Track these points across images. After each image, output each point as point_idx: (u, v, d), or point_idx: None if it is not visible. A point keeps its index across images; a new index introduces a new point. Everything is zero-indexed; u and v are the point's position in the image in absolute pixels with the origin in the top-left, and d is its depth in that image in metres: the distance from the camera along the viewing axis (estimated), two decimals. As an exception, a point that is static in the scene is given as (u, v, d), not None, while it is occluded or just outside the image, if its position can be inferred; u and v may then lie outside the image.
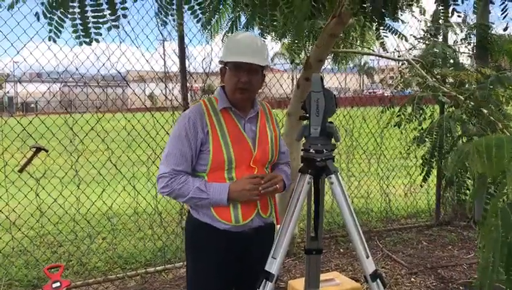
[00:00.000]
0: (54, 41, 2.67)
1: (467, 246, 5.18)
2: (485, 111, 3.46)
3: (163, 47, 4.49)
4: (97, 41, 2.76)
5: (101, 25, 2.68)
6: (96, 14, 2.68)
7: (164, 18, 2.79)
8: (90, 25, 2.67)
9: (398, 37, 4.36)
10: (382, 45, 4.58)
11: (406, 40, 4.57)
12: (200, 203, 2.13)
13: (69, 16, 2.67)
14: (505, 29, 4.61)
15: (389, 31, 4.23)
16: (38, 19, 2.76)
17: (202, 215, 2.21)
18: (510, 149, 1.71)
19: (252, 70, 2.14)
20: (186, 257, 2.40)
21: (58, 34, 2.64)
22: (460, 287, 4.09)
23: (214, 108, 2.21)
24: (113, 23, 2.66)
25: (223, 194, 2.09)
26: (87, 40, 2.71)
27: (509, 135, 3.23)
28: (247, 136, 2.20)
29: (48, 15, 2.67)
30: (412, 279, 4.27)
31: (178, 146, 2.15)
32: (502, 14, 3.22)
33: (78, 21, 2.65)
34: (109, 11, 2.69)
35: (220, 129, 2.16)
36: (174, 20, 2.96)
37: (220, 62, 2.24)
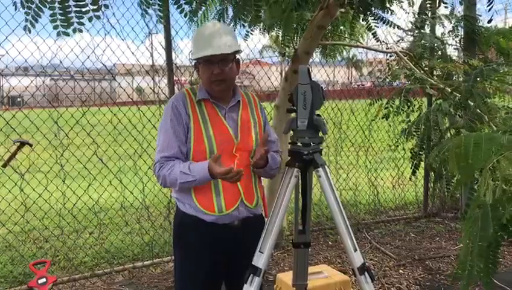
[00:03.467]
0: (29, 31, 2.60)
1: (455, 237, 5.22)
2: (472, 104, 3.47)
3: (150, 39, 4.42)
4: (80, 31, 2.69)
5: (83, 15, 2.62)
6: (78, 3, 2.60)
7: (146, 8, 2.73)
8: (72, 14, 2.60)
9: (390, 26, 4.32)
10: (374, 35, 4.54)
11: (399, 28, 4.54)
12: (192, 185, 2.10)
13: (48, 4, 2.60)
14: (489, 21, 4.62)
15: (380, 21, 4.20)
16: (15, 8, 2.69)
17: (188, 207, 2.20)
18: (488, 148, 1.71)
19: (223, 60, 2.12)
20: (174, 251, 2.38)
21: (35, 23, 2.57)
22: (448, 278, 4.12)
23: (196, 97, 2.23)
24: (95, 13, 2.60)
25: (205, 172, 2.05)
26: (69, 30, 2.63)
27: (494, 127, 3.24)
28: (228, 125, 2.20)
29: (26, 4, 2.60)
30: (400, 271, 4.29)
31: (165, 133, 2.17)
32: (487, 6, 3.22)
33: (57, 10, 2.57)
34: (90, 1, 2.62)
35: (202, 117, 2.18)
36: (157, 11, 2.90)
37: (191, 60, 2.27)
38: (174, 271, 2.43)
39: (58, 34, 2.55)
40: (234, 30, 3.10)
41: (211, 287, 2.29)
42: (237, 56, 2.24)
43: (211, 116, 2.19)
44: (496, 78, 3.50)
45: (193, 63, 2.29)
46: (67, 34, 2.57)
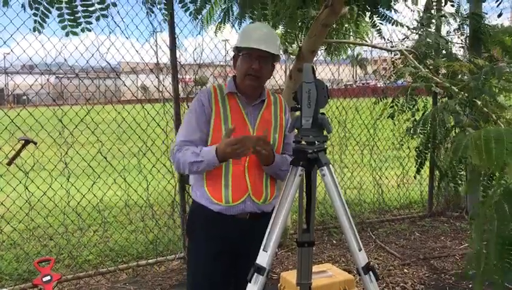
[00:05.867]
0: (39, 32, 2.61)
1: (459, 236, 5.19)
2: (479, 102, 3.44)
3: (155, 38, 4.41)
4: (88, 30, 2.70)
5: (91, 14, 2.62)
6: (85, 2, 2.61)
7: (151, 7, 2.74)
8: (80, 14, 2.61)
9: (393, 24, 4.30)
10: (379, 32, 4.53)
11: (402, 26, 4.52)
12: (201, 167, 2.18)
13: (56, 5, 2.61)
14: (499, 15, 4.58)
15: (384, 19, 4.18)
16: (24, 9, 2.70)
17: (200, 196, 2.29)
18: (509, 142, 1.69)
19: (263, 58, 2.22)
20: (188, 241, 2.49)
21: (43, 24, 2.58)
22: (453, 278, 4.10)
23: (222, 93, 2.31)
24: (102, 12, 2.61)
25: (212, 154, 2.13)
26: (77, 30, 2.65)
27: (502, 125, 3.21)
28: (248, 121, 2.28)
29: (34, 5, 2.61)
30: (405, 270, 4.27)
31: (188, 121, 2.29)
32: (496, 1, 3.19)
33: (65, 10, 2.59)
34: (98, 0, 2.63)
35: (224, 112, 2.26)
36: (160, 10, 2.90)
37: (234, 50, 2.33)
38: (187, 260, 2.53)
39: (67, 34, 2.57)
40: (239, 28, 3.14)
41: (218, 278, 2.31)
42: (274, 62, 2.35)
43: (232, 111, 2.27)
44: (504, 78, 3.48)
45: (232, 54, 2.39)
46: (76, 34, 2.58)
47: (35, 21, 2.58)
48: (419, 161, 3.87)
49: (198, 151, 2.18)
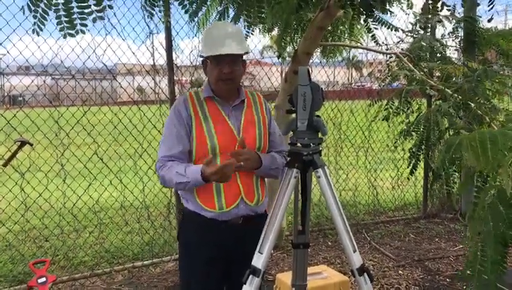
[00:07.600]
0: (38, 34, 2.63)
1: (454, 238, 5.23)
2: (473, 105, 3.47)
3: (151, 39, 4.43)
4: (83, 32, 2.71)
5: (87, 16, 2.64)
6: (81, 4, 2.63)
7: (151, 10, 2.76)
8: (75, 16, 2.63)
9: (388, 28, 4.33)
10: (373, 37, 4.56)
11: (396, 30, 4.55)
12: (187, 187, 2.14)
13: (53, 7, 2.63)
14: (489, 20, 4.62)
15: (379, 23, 4.21)
16: (23, 12, 2.71)
17: (191, 204, 2.26)
18: (504, 143, 1.71)
19: (233, 60, 2.17)
20: (178, 247, 2.44)
21: (42, 26, 2.60)
22: (447, 279, 4.13)
23: (199, 98, 2.27)
24: (98, 14, 2.62)
25: (197, 176, 2.07)
26: (73, 31, 2.67)
27: (496, 128, 3.24)
28: (231, 123, 2.23)
29: (33, 8, 2.63)
30: (400, 271, 4.29)
31: (167, 135, 2.25)
32: (488, 5, 3.22)
33: (62, 12, 2.61)
34: (94, 2, 2.65)
35: (204, 117, 2.22)
36: (160, 12, 2.92)
37: (201, 56, 2.28)
38: (179, 266, 2.48)
39: (65, 36, 2.58)
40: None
41: (212, 284, 2.30)
42: (244, 57, 2.29)
43: (213, 115, 2.23)
44: (497, 80, 3.51)
45: (200, 60, 2.33)
46: (72, 35, 2.60)
47: (34, 23, 2.59)
48: (412, 162, 3.90)
49: (183, 172, 2.11)
